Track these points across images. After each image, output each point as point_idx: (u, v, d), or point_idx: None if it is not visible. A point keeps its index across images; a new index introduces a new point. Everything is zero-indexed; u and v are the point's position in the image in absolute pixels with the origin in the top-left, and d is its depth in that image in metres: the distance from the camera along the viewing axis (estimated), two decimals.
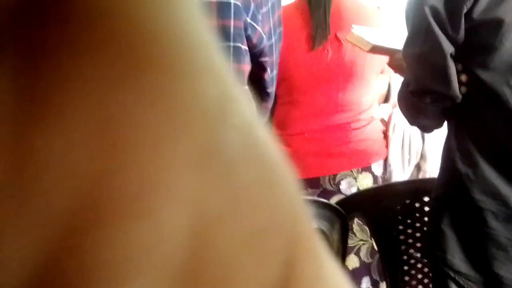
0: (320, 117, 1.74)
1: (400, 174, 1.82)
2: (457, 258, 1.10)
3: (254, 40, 0.91)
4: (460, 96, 1.07)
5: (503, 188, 1.04)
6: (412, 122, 1.22)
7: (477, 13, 1.00)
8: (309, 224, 0.17)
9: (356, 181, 1.73)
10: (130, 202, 0.12)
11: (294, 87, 1.76)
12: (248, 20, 0.89)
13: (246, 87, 0.92)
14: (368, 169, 1.74)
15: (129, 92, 0.12)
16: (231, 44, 0.88)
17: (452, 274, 1.10)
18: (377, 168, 1.76)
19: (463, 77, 1.06)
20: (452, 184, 1.11)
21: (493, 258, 1.06)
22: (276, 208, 0.16)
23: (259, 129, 0.16)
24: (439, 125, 1.18)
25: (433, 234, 1.15)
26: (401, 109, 1.22)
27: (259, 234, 0.15)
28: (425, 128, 1.20)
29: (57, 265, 0.12)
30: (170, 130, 0.13)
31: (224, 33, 0.87)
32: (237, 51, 0.89)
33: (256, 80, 0.95)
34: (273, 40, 0.96)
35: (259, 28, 0.91)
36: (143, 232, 0.12)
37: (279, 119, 1.81)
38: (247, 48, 0.90)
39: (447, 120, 1.16)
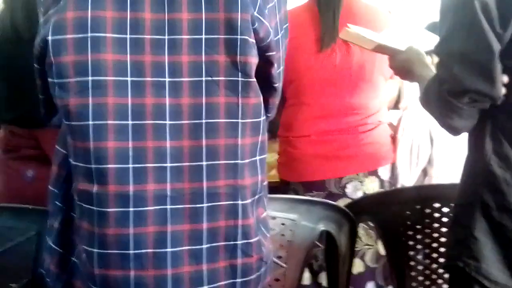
0: (327, 119, 1.73)
1: (407, 178, 1.81)
2: (493, 267, 1.05)
3: (261, 34, 0.90)
4: (501, 97, 1.03)
5: None
6: (442, 123, 1.13)
7: None
8: None
9: (362, 184, 1.71)
10: None
11: (302, 89, 1.75)
12: (255, 13, 0.89)
13: (254, 79, 0.92)
14: (374, 173, 1.73)
15: None
16: (238, 36, 0.88)
17: (487, 284, 1.06)
18: (384, 172, 1.75)
19: (505, 78, 1.02)
20: (487, 189, 1.06)
21: None
22: None
23: None
24: (471, 126, 1.11)
25: (463, 242, 1.09)
26: (429, 110, 1.15)
27: None
28: (456, 130, 1.12)
29: None
30: None
31: (231, 26, 0.88)
32: (244, 43, 0.89)
33: (263, 75, 0.95)
34: (280, 35, 0.96)
35: (266, 22, 0.91)
36: None
37: (286, 121, 1.79)
38: (254, 41, 0.90)
39: (477, 122, 1.10)
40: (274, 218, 1.34)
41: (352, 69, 1.71)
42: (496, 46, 0.99)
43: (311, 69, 1.72)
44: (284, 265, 1.36)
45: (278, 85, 1.01)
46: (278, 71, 0.99)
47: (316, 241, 1.52)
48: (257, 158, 0.95)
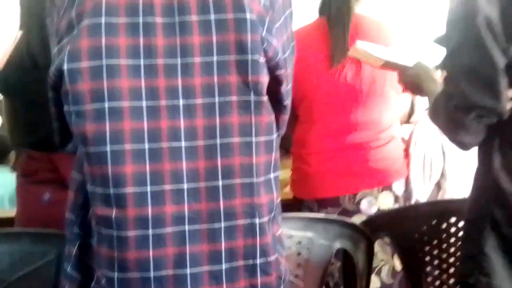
0: (340, 136, 1.73)
1: (421, 192, 1.81)
2: (505, 283, 1.05)
3: (270, 53, 0.91)
4: (508, 112, 1.03)
5: None
6: (451, 138, 1.14)
7: None
8: None
9: (376, 200, 1.71)
10: None
11: (314, 106, 1.76)
12: (264, 33, 0.90)
13: (266, 98, 0.93)
14: (389, 188, 1.73)
15: None
16: (249, 57, 0.89)
17: None
18: (398, 187, 1.75)
19: (511, 92, 1.02)
20: (495, 204, 1.06)
21: None
22: None
23: None
24: (479, 141, 1.11)
25: (474, 258, 1.10)
26: (437, 124, 1.16)
27: None
28: (464, 145, 1.12)
29: None
30: None
31: (242, 47, 0.89)
32: (255, 63, 0.90)
33: (273, 93, 0.96)
34: (287, 53, 0.97)
35: (274, 42, 0.92)
36: None
37: (299, 138, 1.80)
38: (264, 61, 0.91)
39: (486, 137, 1.10)
40: (290, 236, 1.34)
41: (363, 84, 1.71)
42: (501, 61, 0.99)
43: (322, 86, 1.73)
44: (301, 283, 1.36)
45: (287, 102, 1.02)
46: (286, 89, 1.00)
47: (332, 258, 1.53)
48: (272, 175, 0.96)
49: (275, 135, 0.96)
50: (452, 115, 1.08)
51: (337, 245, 1.36)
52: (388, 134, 1.75)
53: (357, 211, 1.70)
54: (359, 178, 1.71)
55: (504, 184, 1.04)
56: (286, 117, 1.04)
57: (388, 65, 1.42)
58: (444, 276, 1.44)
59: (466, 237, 1.16)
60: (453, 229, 1.40)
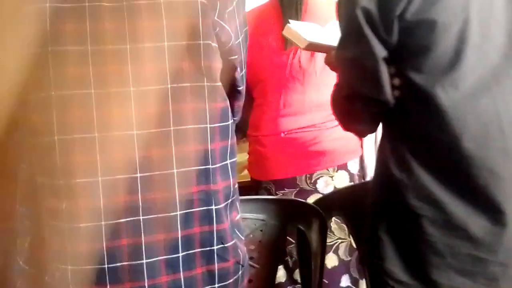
0: (295, 117, 1.74)
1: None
2: (395, 266, 1.06)
3: (223, 38, 0.91)
4: (392, 101, 1.03)
5: (439, 193, 1.00)
6: (345, 127, 1.17)
7: (410, 14, 0.96)
8: None
9: (332, 179, 1.74)
10: None
11: (269, 88, 1.76)
12: (216, 18, 0.89)
13: (220, 84, 0.92)
14: (344, 167, 1.75)
15: None
16: (201, 42, 0.88)
17: (391, 283, 1.07)
18: (353, 165, 1.77)
19: (396, 81, 1.02)
20: (388, 189, 1.07)
21: (431, 265, 1.02)
22: None
23: None
24: (374, 129, 1.14)
25: (371, 241, 1.11)
26: (335, 114, 1.18)
27: None
28: (360, 133, 1.16)
29: None
30: None
31: (193, 32, 0.87)
32: (207, 48, 0.89)
33: (228, 79, 0.95)
34: (240, 38, 0.96)
35: (226, 27, 0.91)
36: None
37: (255, 120, 1.81)
38: (217, 46, 0.90)
39: (381, 124, 1.12)
40: (243, 219, 1.35)
41: (316, 66, 1.72)
42: (380, 52, 0.99)
43: (277, 68, 1.74)
44: (256, 265, 1.37)
45: (242, 88, 1.02)
46: (241, 74, 0.99)
47: (290, 238, 1.54)
48: (228, 161, 0.96)
49: (230, 121, 0.95)
50: (343, 105, 1.10)
51: (291, 225, 1.37)
52: None
53: (314, 190, 1.72)
54: (315, 158, 1.73)
55: (393, 171, 1.05)
56: (241, 103, 1.04)
57: (313, 46, 1.41)
58: None
59: (367, 220, 1.17)
60: None
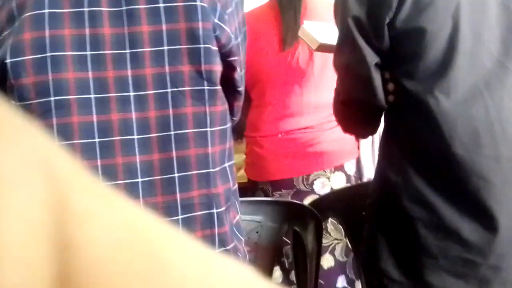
0: (293, 118, 1.75)
1: (372, 172, 1.84)
2: (390, 265, 1.08)
3: (223, 40, 0.90)
4: (386, 106, 1.06)
5: (432, 196, 1.02)
6: (345, 130, 1.21)
7: (399, 22, 0.98)
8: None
9: (329, 181, 1.74)
10: None
11: (267, 89, 1.77)
12: (216, 20, 0.89)
13: (220, 87, 0.92)
14: (341, 168, 1.76)
15: None
16: (201, 45, 0.88)
17: (385, 281, 1.09)
18: (350, 167, 1.78)
19: (390, 86, 1.04)
20: (384, 191, 1.10)
21: (424, 266, 1.04)
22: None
23: None
24: (373, 132, 1.18)
25: (367, 241, 1.14)
26: (336, 118, 1.21)
27: None
28: (360, 135, 1.20)
29: None
30: None
31: (193, 36, 0.87)
32: (207, 52, 0.88)
33: (227, 80, 0.96)
34: (239, 39, 0.96)
35: (227, 28, 0.91)
36: None
37: (252, 121, 1.81)
38: (217, 49, 0.90)
39: (383, 128, 1.15)
40: None
41: (315, 67, 1.73)
42: (372, 59, 1.02)
43: (275, 69, 1.74)
44: (252, 267, 1.38)
45: (241, 88, 1.01)
46: (240, 74, 0.99)
47: (286, 239, 1.55)
48: (226, 164, 0.96)
49: (229, 124, 0.95)
50: (341, 109, 1.13)
51: (286, 226, 1.38)
52: None
53: (311, 191, 1.73)
54: (312, 159, 1.74)
55: (389, 173, 1.07)
56: (240, 103, 1.04)
57: (324, 48, 1.42)
58: None
59: (365, 220, 1.19)
60: None
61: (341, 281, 1.74)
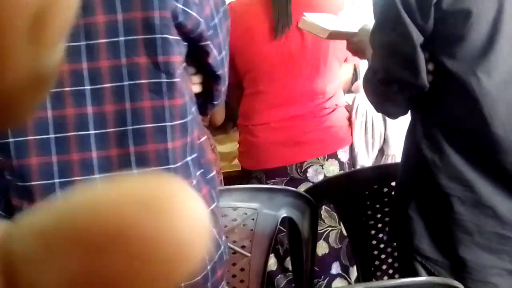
0: (286, 106, 1.75)
1: (365, 159, 1.85)
2: (424, 243, 1.11)
3: (189, 26, 0.86)
4: (427, 85, 1.07)
5: (469, 173, 1.05)
6: (378, 109, 1.22)
7: (446, 3, 1.00)
8: None
9: (322, 168, 1.75)
10: None
11: (259, 78, 1.76)
12: (180, 6, 0.84)
13: (178, 79, 0.88)
14: (334, 155, 1.76)
15: None
16: (157, 36, 0.84)
17: (419, 259, 1.12)
18: (343, 154, 1.78)
19: (430, 66, 1.06)
20: (418, 170, 1.12)
21: (459, 242, 1.08)
22: None
23: None
24: (405, 112, 1.18)
25: (400, 220, 1.16)
26: (367, 96, 1.21)
27: None
28: (391, 115, 1.21)
29: None
30: None
31: (150, 25, 0.83)
32: (164, 42, 0.84)
33: (200, 65, 0.93)
34: (216, 19, 0.91)
35: (193, 13, 0.86)
36: None
37: (245, 110, 1.81)
38: (177, 38, 0.86)
39: (412, 107, 1.16)
40: (235, 208, 1.36)
41: (307, 55, 1.73)
42: (418, 38, 1.03)
43: (267, 57, 1.74)
44: (248, 254, 1.38)
45: (221, 72, 0.96)
46: (219, 57, 0.94)
47: (281, 226, 1.55)
48: (188, 159, 0.91)
49: (189, 117, 0.91)
50: (377, 88, 1.13)
51: (282, 214, 1.38)
52: (333, 103, 1.78)
53: (304, 179, 1.73)
54: (306, 147, 1.74)
55: (425, 152, 1.09)
56: (221, 87, 0.99)
57: (334, 35, 1.43)
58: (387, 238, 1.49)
59: (395, 200, 1.22)
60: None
61: (335, 268, 1.75)
